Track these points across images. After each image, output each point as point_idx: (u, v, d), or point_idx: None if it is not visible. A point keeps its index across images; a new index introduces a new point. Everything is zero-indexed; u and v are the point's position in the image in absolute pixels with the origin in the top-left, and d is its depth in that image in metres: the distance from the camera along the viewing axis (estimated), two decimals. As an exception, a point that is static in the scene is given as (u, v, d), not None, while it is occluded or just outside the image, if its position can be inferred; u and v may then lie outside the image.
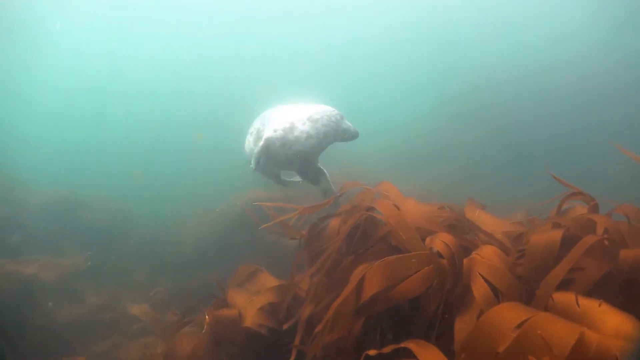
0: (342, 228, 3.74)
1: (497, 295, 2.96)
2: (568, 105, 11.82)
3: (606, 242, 3.02)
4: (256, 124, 6.06)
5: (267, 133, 5.53)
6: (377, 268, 3.13)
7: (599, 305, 2.46)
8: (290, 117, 5.57)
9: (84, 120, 19.62)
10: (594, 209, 3.24)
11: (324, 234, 3.93)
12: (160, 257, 6.94)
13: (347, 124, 5.77)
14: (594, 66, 13.48)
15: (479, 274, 3.11)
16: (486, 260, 3.16)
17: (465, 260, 3.18)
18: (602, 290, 2.76)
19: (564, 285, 2.88)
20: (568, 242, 3.06)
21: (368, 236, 3.78)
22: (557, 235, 3.03)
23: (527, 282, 2.89)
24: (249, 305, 3.81)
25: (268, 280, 4.15)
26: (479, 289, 3.01)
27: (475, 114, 12.17)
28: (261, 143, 5.48)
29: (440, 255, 3.12)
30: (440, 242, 3.15)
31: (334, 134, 5.62)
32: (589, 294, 2.77)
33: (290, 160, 5.57)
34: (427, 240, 3.30)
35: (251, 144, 5.91)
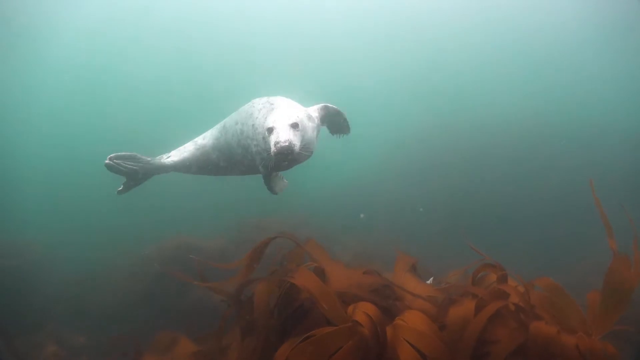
0: (269, 298, 3.51)
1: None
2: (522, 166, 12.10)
3: (512, 308, 3.06)
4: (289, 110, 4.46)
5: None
6: (300, 349, 2.93)
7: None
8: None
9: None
10: (503, 278, 3.30)
11: (252, 298, 3.67)
12: (79, 309, 6.17)
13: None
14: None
15: (405, 339, 3.01)
16: (411, 325, 3.08)
17: (389, 328, 3.07)
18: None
19: (482, 357, 2.85)
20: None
21: (291, 304, 3.59)
22: (471, 306, 3.03)
23: (453, 350, 2.86)
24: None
25: (187, 347, 3.76)
26: (406, 355, 2.91)
27: (428, 167, 12.28)
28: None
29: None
30: (361, 312, 3.02)
31: None
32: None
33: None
34: (350, 308, 3.16)
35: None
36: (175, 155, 5.53)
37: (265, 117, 4.40)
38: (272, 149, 3.99)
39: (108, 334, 5.20)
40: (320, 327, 3.20)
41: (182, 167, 5.47)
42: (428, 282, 3.97)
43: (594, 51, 18.63)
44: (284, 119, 4.10)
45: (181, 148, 5.60)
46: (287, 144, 3.90)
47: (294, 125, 4.08)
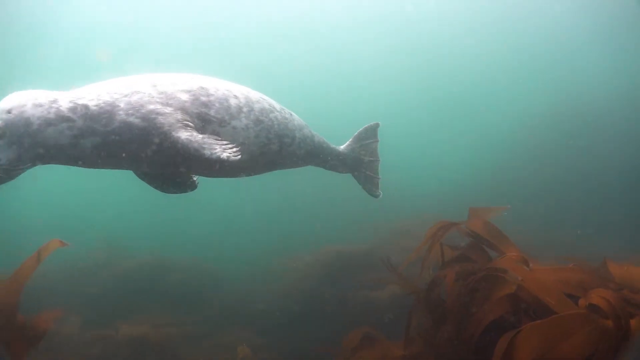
0: (463, 287, 3.31)
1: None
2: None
3: None
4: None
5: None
6: (529, 332, 2.65)
7: None
8: None
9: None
10: None
11: (441, 289, 3.51)
12: (250, 316, 6.52)
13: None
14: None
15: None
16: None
17: (633, 321, 2.62)
18: None
19: None
20: None
21: (489, 295, 3.33)
22: None
23: None
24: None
25: (388, 349, 3.67)
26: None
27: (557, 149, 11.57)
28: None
29: (603, 315, 2.59)
30: (600, 298, 2.63)
31: None
32: None
33: None
34: (581, 301, 2.78)
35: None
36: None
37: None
38: None
39: (285, 336, 5.41)
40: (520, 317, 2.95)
41: None
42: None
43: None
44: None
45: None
46: None
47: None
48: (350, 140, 4.08)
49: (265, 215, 12.72)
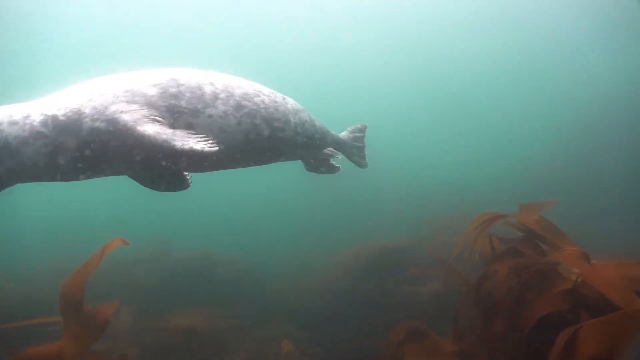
0: (515, 282, 3.31)
1: None
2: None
3: None
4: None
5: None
6: (591, 328, 2.63)
7: None
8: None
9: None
10: None
11: (492, 283, 3.50)
12: (292, 310, 6.47)
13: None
14: None
15: None
16: None
17: None
18: None
19: None
20: None
21: (545, 290, 3.33)
22: None
23: None
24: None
25: (437, 344, 3.66)
26: None
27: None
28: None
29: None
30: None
31: None
32: None
33: None
34: None
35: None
36: None
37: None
38: None
39: (328, 330, 5.40)
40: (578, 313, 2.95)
41: None
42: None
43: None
44: None
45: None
46: None
47: None
48: (345, 132, 4.85)
49: (303, 213, 12.78)
